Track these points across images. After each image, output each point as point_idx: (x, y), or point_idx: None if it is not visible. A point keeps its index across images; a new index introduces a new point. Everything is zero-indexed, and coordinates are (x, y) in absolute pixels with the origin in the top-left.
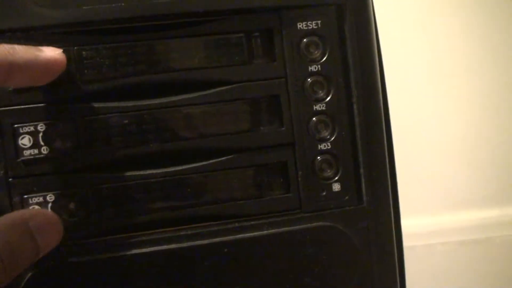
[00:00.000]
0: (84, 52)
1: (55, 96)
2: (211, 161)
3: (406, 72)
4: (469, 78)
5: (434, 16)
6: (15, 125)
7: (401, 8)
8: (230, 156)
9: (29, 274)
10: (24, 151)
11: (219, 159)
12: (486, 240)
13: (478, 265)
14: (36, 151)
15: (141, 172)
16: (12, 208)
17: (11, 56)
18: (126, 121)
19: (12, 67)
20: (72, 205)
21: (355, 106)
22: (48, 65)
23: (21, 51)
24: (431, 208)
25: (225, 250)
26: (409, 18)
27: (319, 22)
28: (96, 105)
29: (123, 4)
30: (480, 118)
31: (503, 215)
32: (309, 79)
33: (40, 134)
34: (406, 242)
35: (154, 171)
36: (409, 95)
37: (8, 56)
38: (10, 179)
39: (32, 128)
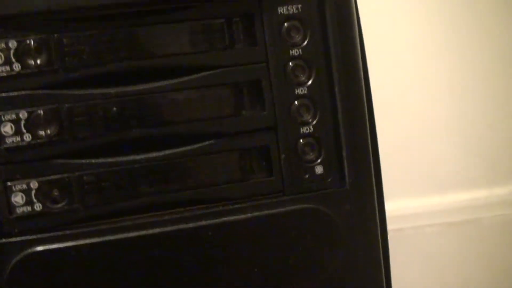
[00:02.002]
0: (64, 40)
1: (37, 84)
2: (194, 146)
3: (389, 48)
4: (455, 56)
5: None
6: None
7: None
8: (213, 141)
9: (14, 261)
10: (7, 139)
11: (202, 143)
12: (474, 221)
13: (466, 246)
14: (18, 138)
15: (125, 158)
16: None
17: None
18: (108, 108)
19: None
20: (55, 192)
21: (336, 89)
22: None
23: None
24: (418, 189)
25: (210, 233)
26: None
27: (299, 6)
28: (78, 92)
29: None
30: (467, 98)
31: (491, 196)
32: (290, 63)
33: (22, 122)
34: (394, 225)
35: (137, 157)
36: (393, 74)
37: None
38: None
39: (14, 116)
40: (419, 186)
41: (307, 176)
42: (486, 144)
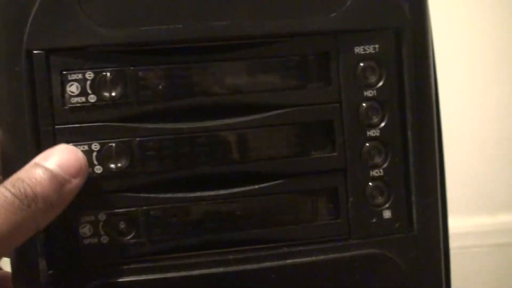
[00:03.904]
0: (140, 73)
1: (111, 116)
2: (261, 185)
3: (446, 72)
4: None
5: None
6: (71, 144)
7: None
8: (280, 181)
9: None
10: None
11: (270, 183)
12: None
13: None
14: (90, 170)
15: (192, 194)
16: None
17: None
18: (179, 143)
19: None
20: (122, 225)
21: (409, 133)
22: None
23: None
24: (468, 209)
25: (273, 275)
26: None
27: (376, 46)
28: (150, 125)
29: (181, 26)
30: None
31: None
32: (364, 104)
33: (94, 154)
34: None
35: (204, 194)
36: (449, 96)
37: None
38: None
39: (86, 147)
40: (469, 205)
41: (374, 220)
42: None
